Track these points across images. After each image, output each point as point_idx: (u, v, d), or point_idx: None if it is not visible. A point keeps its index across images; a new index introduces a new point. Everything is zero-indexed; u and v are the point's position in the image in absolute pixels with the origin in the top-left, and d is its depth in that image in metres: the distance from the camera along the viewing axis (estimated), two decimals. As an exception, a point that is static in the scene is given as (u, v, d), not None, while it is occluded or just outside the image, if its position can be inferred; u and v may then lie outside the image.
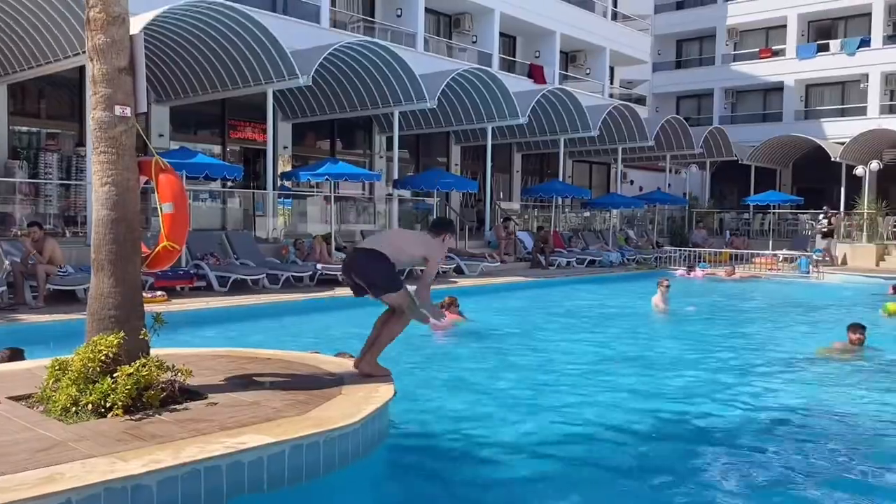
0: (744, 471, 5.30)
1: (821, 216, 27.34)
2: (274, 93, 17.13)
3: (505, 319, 12.38)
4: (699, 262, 21.96)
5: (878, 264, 23.41)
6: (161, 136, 18.34)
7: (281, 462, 4.13)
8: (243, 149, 20.92)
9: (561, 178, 25.83)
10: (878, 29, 32.95)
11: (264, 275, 14.08)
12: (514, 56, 28.37)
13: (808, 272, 20.40)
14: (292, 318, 11.79)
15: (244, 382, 5.46)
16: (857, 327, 9.49)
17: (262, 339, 9.57)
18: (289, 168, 20.50)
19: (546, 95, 23.05)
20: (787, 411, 6.93)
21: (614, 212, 26.86)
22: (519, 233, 22.31)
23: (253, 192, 18.52)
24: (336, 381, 5.54)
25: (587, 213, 27.56)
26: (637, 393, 7.53)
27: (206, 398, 4.96)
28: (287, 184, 18.76)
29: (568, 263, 21.17)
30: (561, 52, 29.20)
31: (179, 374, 4.94)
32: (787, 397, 7.53)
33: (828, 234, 25.31)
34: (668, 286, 13.62)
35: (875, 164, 25.74)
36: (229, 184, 17.39)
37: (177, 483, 3.73)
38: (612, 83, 32.64)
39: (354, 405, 4.84)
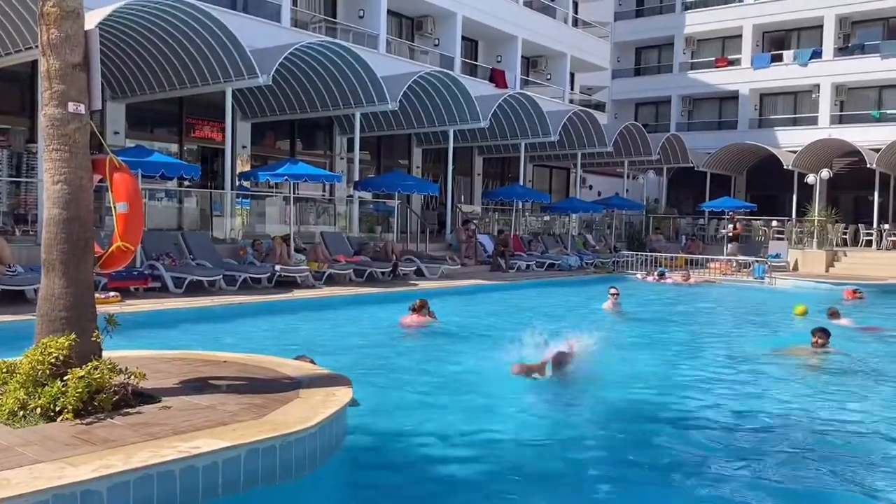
0: (692, 463, 5.40)
1: (726, 221, 28.20)
2: (233, 92, 16.91)
3: (466, 321, 12.39)
4: (657, 266, 22.28)
5: (827, 270, 24.04)
6: (116, 133, 17.98)
7: (236, 467, 4.07)
8: (201, 148, 20.62)
9: (521, 182, 26.02)
10: (829, 41, 33.88)
11: (221, 276, 13.89)
12: (476, 60, 28.48)
13: (763, 277, 20.86)
14: (250, 321, 11.65)
15: (199, 386, 5.38)
16: (819, 332, 9.69)
17: (219, 341, 9.43)
18: (247, 168, 20.28)
19: (507, 100, 23.19)
20: (741, 411, 7.08)
21: (573, 216, 27.12)
22: (480, 236, 22.39)
23: (210, 192, 18.26)
24: (293, 384, 5.49)
25: (547, 217, 27.78)
26: (596, 394, 7.61)
27: (159, 402, 4.87)
28: (246, 184, 18.54)
29: (528, 267, 21.31)
30: (522, 57, 29.41)
31: (133, 377, 4.84)
32: (748, 396, 7.69)
33: (733, 239, 26.04)
34: (616, 294, 14.11)
35: (826, 173, 26.43)
36: (186, 183, 17.13)
37: (128, 489, 3.65)
38: (572, 89, 32.99)
39: (312, 409, 4.80)
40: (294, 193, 17.15)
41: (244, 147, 20.99)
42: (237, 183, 18.28)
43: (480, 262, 20.96)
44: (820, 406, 7.41)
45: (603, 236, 28.30)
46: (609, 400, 7.54)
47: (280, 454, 4.30)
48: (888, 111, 33.31)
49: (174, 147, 19.72)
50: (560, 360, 7.74)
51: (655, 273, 20.90)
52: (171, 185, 17.36)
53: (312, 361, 6.56)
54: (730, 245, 25.80)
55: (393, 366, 8.86)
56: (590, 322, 13.48)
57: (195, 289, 13.32)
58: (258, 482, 4.18)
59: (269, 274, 14.64)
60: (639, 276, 21.17)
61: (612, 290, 14.28)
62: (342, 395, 5.20)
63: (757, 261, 22.40)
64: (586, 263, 23.10)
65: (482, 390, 7.71)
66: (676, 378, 8.86)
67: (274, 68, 16.22)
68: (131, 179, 5.38)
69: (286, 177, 16.04)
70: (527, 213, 27.22)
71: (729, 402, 7.56)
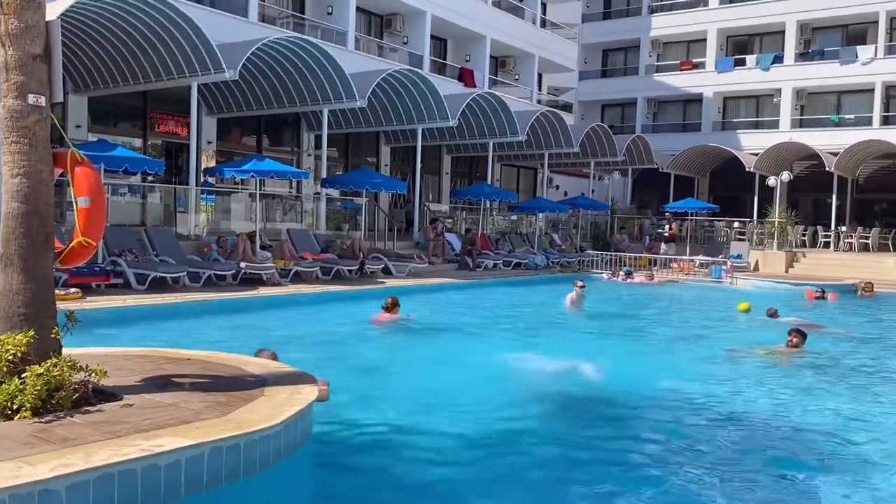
0: (654, 462, 5.49)
1: (665, 223, 28.95)
2: (199, 86, 16.71)
3: (434, 319, 12.41)
4: (623, 265, 22.54)
5: (787, 270, 24.54)
6: (78, 127, 17.65)
7: (199, 465, 4.04)
8: (165, 143, 20.32)
9: (489, 182, 26.09)
10: (790, 46, 34.56)
11: (185, 273, 13.72)
12: (445, 59, 28.50)
13: (721, 278, 21.22)
14: (214, 318, 11.53)
15: (162, 383, 5.32)
16: (795, 333, 9.85)
17: (182, 339, 9.32)
18: (213, 164, 20.03)
19: (476, 99, 23.25)
20: (716, 409, 7.20)
21: (540, 215, 27.29)
22: (447, 234, 22.42)
23: (175, 188, 18.02)
24: (258, 382, 5.46)
25: (514, 217, 27.92)
26: (562, 391, 7.69)
27: (121, 399, 4.81)
28: (211, 180, 18.33)
29: (495, 265, 21.40)
30: (491, 56, 29.49)
31: (93, 374, 4.77)
32: (724, 394, 7.82)
33: (669, 240, 26.64)
34: (583, 286, 14.38)
35: (786, 175, 26.96)
36: (150, 178, 16.87)
37: (88, 488, 3.60)
38: (539, 89, 33.18)
39: (277, 407, 4.78)
40: (260, 190, 17.01)
41: (210, 142, 20.74)
42: (202, 179, 18.04)
43: (448, 261, 20.99)
44: (789, 405, 7.55)
45: (569, 236, 28.54)
46: (577, 397, 7.63)
47: (244, 452, 4.27)
48: (846, 116, 34.11)
49: (138, 142, 19.40)
50: None
51: (622, 272, 21.14)
52: (135, 180, 17.09)
53: (274, 354, 6.52)
54: (665, 245, 26.37)
55: (361, 363, 8.84)
56: (553, 318, 13.68)
57: (158, 286, 13.14)
58: (222, 481, 4.15)
59: (234, 271, 14.49)
60: (604, 275, 21.39)
61: (579, 283, 14.54)
62: (308, 392, 5.18)
63: (714, 262, 22.79)
64: (552, 262, 23.28)
65: (451, 387, 7.74)
66: (644, 375, 8.98)
67: (241, 63, 16.05)
68: (93, 174, 5.29)
69: (252, 173, 15.90)
70: (494, 212, 27.33)
71: (698, 398, 7.67)
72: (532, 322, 13.57)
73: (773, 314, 13.25)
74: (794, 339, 9.75)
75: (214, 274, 14.32)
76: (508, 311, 14.80)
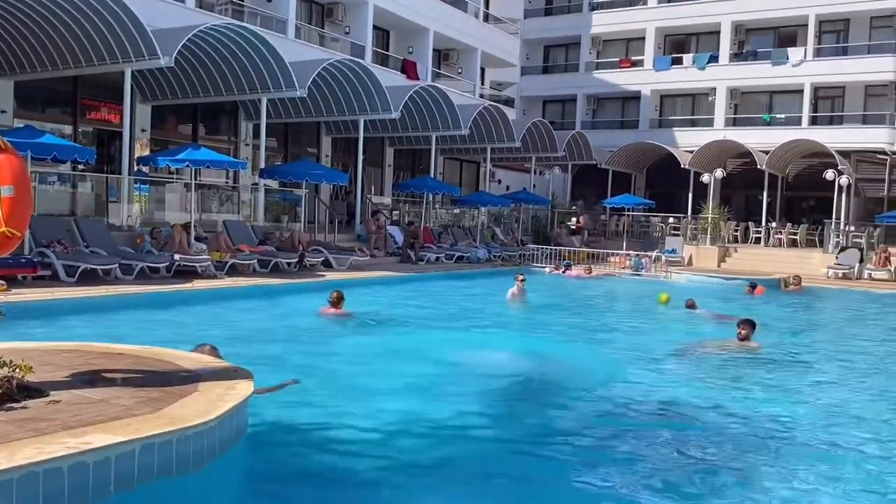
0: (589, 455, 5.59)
1: (572, 217, 29.77)
2: (133, 73, 16.21)
3: (375, 312, 12.36)
4: (562, 260, 22.88)
5: (719, 265, 25.31)
6: (3, 112, 16.96)
7: (130, 462, 3.92)
8: (97, 130, 19.67)
9: (432, 175, 26.09)
10: (725, 46, 35.53)
11: (117, 265, 13.33)
12: (387, 50, 28.34)
13: (641, 270, 21.77)
14: (147, 312, 11.23)
15: (92, 379, 5.15)
16: (744, 323, 10.01)
17: (114, 333, 9.05)
18: (147, 152, 19.48)
19: (419, 92, 23.20)
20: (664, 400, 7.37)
21: (482, 209, 27.45)
22: (389, 227, 22.34)
23: (107, 177, 17.46)
24: (192, 377, 5.33)
25: (457, 210, 28.01)
26: (506, 383, 7.75)
27: (48, 396, 4.63)
28: (144, 169, 17.83)
29: (437, 259, 21.44)
30: (434, 49, 29.47)
31: (18, 369, 4.58)
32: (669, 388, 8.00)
33: (575, 232, 27.34)
34: (523, 280, 14.70)
35: (719, 173, 27.78)
36: (81, 167, 16.31)
37: (11, 488, 3.45)
38: (482, 84, 33.32)
39: (211, 402, 4.68)
40: (196, 180, 16.63)
41: (143, 130, 20.16)
42: (135, 168, 17.53)
43: (390, 254, 20.93)
44: (734, 395, 7.73)
45: (510, 230, 28.79)
46: (521, 389, 7.71)
47: (177, 449, 4.17)
48: (778, 115, 35.30)
49: (68, 129, 18.72)
50: None
51: (562, 266, 21.44)
52: (65, 168, 16.49)
53: (215, 349, 6.39)
54: (573, 238, 26.99)
55: (300, 358, 8.74)
56: (495, 311, 13.79)
57: (89, 278, 12.73)
58: (154, 478, 4.04)
59: (167, 263, 14.15)
60: (547, 269, 21.67)
61: (520, 277, 14.80)
62: (243, 388, 5.09)
63: (637, 255, 23.38)
64: (494, 256, 23.46)
65: (392, 381, 7.72)
66: (589, 369, 9.13)
67: (177, 50, 15.63)
68: (18, 161, 5.07)
69: (187, 162, 15.52)
70: (437, 206, 27.35)
71: (647, 390, 7.81)
72: (474, 315, 13.65)
73: (691, 305, 13.70)
74: (743, 331, 9.94)
75: (147, 266, 13.95)
76: (451, 304, 14.86)
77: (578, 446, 5.93)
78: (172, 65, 15.83)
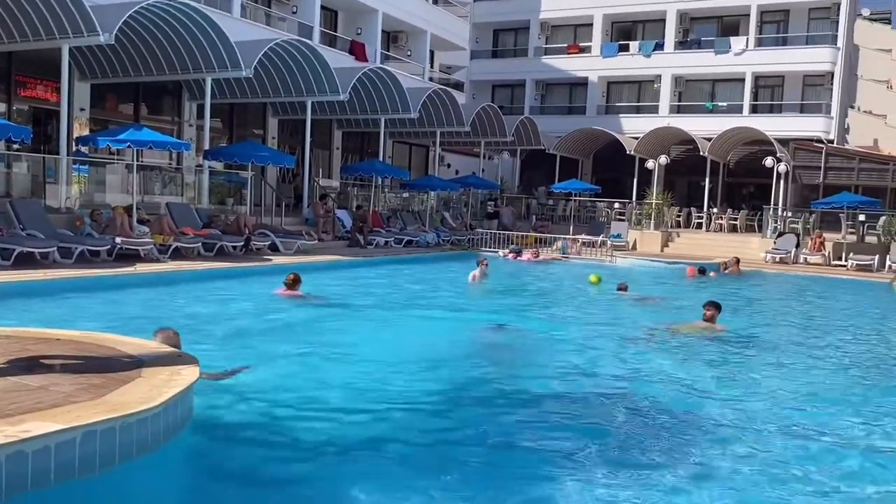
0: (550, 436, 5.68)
1: (490, 200, 30.17)
2: (71, 49, 15.65)
3: (324, 297, 12.27)
4: (511, 244, 23.06)
5: (662, 249, 25.86)
6: (-70, 88, 16.20)
7: (71, 451, 3.84)
8: (33, 108, 18.96)
9: (381, 158, 25.94)
10: (670, 34, 36.13)
11: (55, 248, 12.94)
12: (335, 31, 27.97)
13: (567, 252, 22.27)
14: (87, 296, 10.94)
15: (29, 365, 5.00)
16: (710, 305, 10.14)
17: (52, 318, 8.80)
18: (86, 132, 18.88)
19: (367, 74, 22.98)
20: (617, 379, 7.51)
21: (432, 194, 27.43)
22: (338, 211, 22.16)
23: (44, 157, 16.86)
24: (135, 363, 5.23)
25: (406, 194, 27.93)
26: (463, 368, 7.80)
27: (-18, 384, 4.49)
28: (84, 149, 17.27)
29: (386, 243, 21.38)
30: (383, 31, 29.20)
31: (-51, 357, 4.42)
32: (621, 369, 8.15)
33: (493, 216, 27.70)
34: (487, 264, 15.26)
35: (664, 159, 28.31)
36: (15, 147, 15.72)
37: (-56, 479, 3.35)
38: (431, 67, 33.17)
39: (154, 388, 4.60)
40: (138, 161, 16.21)
41: (82, 109, 19.52)
42: (74, 148, 16.98)
43: (338, 238, 20.77)
44: (699, 376, 7.91)
45: (459, 214, 28.87)
46: (479, 374, 7.76)
47: (120, 436, 4.09)
48: (720, 103, 36.11)
49: (1, 107, 18.00)
50: None
51: (509, 251, 21.60)
52: (-2, 147, 15.88)
53: (176, 333, 6.28)
54: (492, 222, 27.34)
55: (248, 342, 8.64)
56: (447, 294, 13.86)
57: (25, 261, 12.33)
58: (95, 466, 3.96)
59: (108, 246, 13.78)
60: (500, 253, 21.82)
61: (484, 261, 15.44)
62: (188, 373, 5.02)
63: (564, 239, 23.82)
64: (443, 240, 23.50)
65: (343, 365, 7.71)
66: (542, 348, 9.25)
67: (117, 27, 15.14)
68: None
69: (129, 143, 15.09)
70: (386, 190, 27.22)
71: (619, 375, 7.91)
72: (426, 299, 13.70)
73: (622, 288, 14.08)
74: (709, 312, 10.07)
75: (88, 249, 13.57)
76: (402, 288, 14.86)
77: (535, 428, 6.02)
78: (113, 42, 15.34)
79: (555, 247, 23.57)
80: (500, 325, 10.96)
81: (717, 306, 10.20)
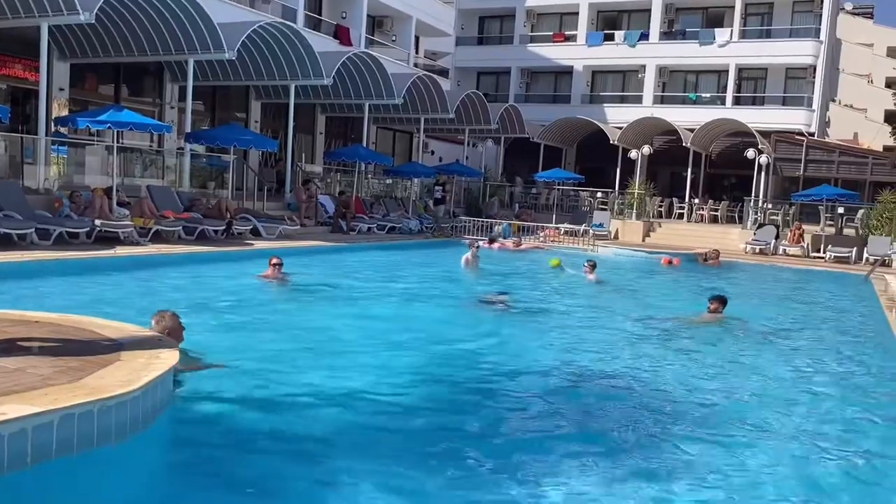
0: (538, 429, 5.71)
1: (437, 185, 30.01)
2: (50, 28, 15.40)
3: (306, 283, 12.22)
4: (491, 230, 23.05)
5: (644, 239, 26.01)
6: None
7: (48, 434, 3.80)
8: (11, 88, 18.66)
9: (365, 144, 25.81)
10: (655, 24, 36.18)
11: (33, 229, 12.79)
12: (320, 14, 27.72)
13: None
14: (66, 279, 10.82)
15: (6, 347, 4.94)
16: (715, 300, 10.10)
17: (30, 300, 8.70)
18: (65, 113, 18.61)
19: (352, 58, 22.81)
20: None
21: (415, 180, 27.36)
22: (320, 196, 22.04)
23: (21, 137, 16.60)
24: (114, 346, 5.18)
25: (389, 181, 27.83)
26: (456, 356, 7.82)
27: (-43, 365, 4.43)
28: (63, 130, 17.04)
29: (369, 229, 21.31)
30: (368, 15, 28.99)
31: (-76, 338, 4.36)
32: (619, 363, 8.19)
33: (440, 202, 27.46)
34: (479, 248, 15.71)
35: (647, 149, 28.41)
36: (-8, 126, 15.45)
37: (-82, 461, 3.31)
38: (417, 53, 33.00)
39: (134, 372, 4.56)
40: (118, 143, 16.01)
41: (62, 90, 19.23)
42: (53, 129, 16.74)
43: (321, 223, 20.68)
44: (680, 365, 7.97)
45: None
46: (462, 360, 7.76)
47: (98, 419, 4.06)
48: (703, 94, 36.26)
49: (-23, 85, 17.73)
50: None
51: (487, 240, 21.49)
52: (-26, 127, 15.60)
53: (175, 315, 6.22)
54: (439, 207, 27.25)
55: (229, 326, 8.60)
56: (430, 281, 13.85)
57: (2, 243, 12.17)
58: (73, 449, 3.93)
59: (88, 229, 13.63)
60: (481, 243, 21.79)
61: (475, 245, 15.84)
62: (168, 357, 4.98)
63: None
64: (426, 227, 23.46)
65: (323, 351, 7.69)
66: (534, 338, 9.26)
67: (98, 5, 14.91)
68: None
69: (109, 124, 14.92)
70: (369, 176, 27.11)
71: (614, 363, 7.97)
72: (408, 285, 13.66)
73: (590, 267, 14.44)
74: (713, 305, 10.07)
75: (66, 231, 13.41)
76: (384, 274, 14.82)
77: (523, 418, 6.05)
78: (93, 21, 15.11)
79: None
80: (502, 293, 11.49)
81: (721, 300, 10.11)
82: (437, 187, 25.22)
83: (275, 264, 11.37)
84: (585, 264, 14.67)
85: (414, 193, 26.98)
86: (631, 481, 4.71)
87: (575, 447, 5.30)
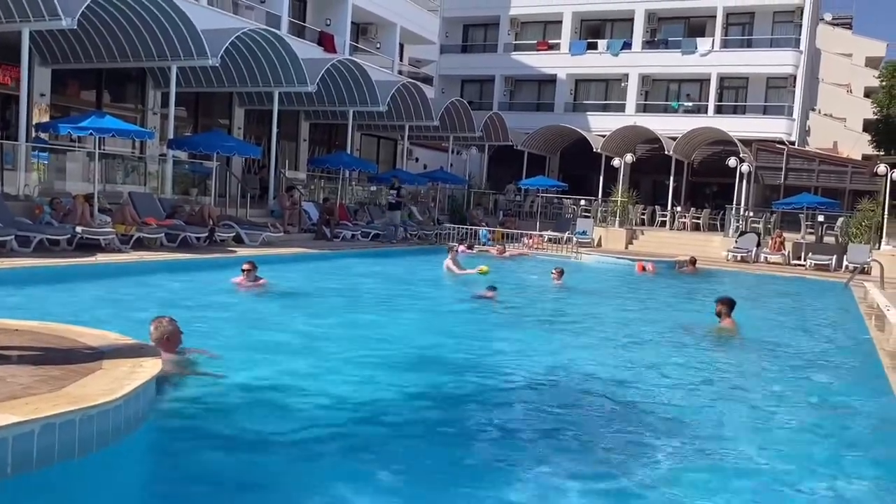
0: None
1: (391, 189, 29.57)
2: (31, 33, 15.28)
3: (289, 290, 12.18)
4: (475, 240, 23.08)
5: (627, 247, 26.15)
6: None
7: (29, 443, 3.76)
8: (-9, 93, 18.49)
9: (349, 151, 25.80)
10: (638, 34, 36.50)
11: (13, 236, 12.65)
12: (304, 21, 27.71)
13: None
14: (46, 286, 10.71)
15: (-15, 356, 4.89)
16: (722, 303, 9.79)
17: (9, 308, 8.58)
18: (46, 118, 18.45)
19: (336, 65, 22.82)
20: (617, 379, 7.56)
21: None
22: (304, 203, 21.99)
23: (1, 143, 16.45)
24: (96, 354, 5.14)
25: (373, 188, 27.81)
26: (425, 360, 7.81)
27: (-65, 374, 4.38)
28: (44, 136, 16.89)
29: (353, 236, 21.27)
30: (352, 22, 29.01)
31: None
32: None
33: (395, 207, 26.67)
34: (457, 251, 15.72)
35: (629, 157, 28.60)
36: (-29, 132, 15.32)
37: None
38: (401, 60, 33.05)
39: (116, 381, 4.53)
40: (100, 149, 15.90)
41: (43, 95, 19.07)
42: (34, 135, 16.60)
43: (304, 231, 20.62)
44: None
45: (427, 209, 28.82)
46: (447, 367, 7.76)
47: (80, 429, 4.02)
48: (686, 103, 36.59)
49: (-43, 90, 17.54)
50: None
51: (465, 245, 21.39)
52: (-47, 132, 15.45)
53: (173, 320, 6.16)
54: (394, 212, 26.85)
55: (211, 334, 8.53)
56: (414, 288, 13.85)
57: (-19, 249, 12.03)
58: (54, 459, 3.89)
59: (69, 235, 13.50)
60: (459, 249, 21.77)
61: (453, 248, 16.10)
62: (150, 366, 4.95)
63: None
64: (410, 235, 23.45)
65: (308, 358, 7.66)
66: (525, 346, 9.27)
67: (80, 11, 14.82)
68: None
69: (91, 130, 14.80)
70: (353, 183, 27.08)
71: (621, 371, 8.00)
72: (392, 292, 13.63)
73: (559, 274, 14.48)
74: (718, 307, 9.87)
75: (47, 238, 13.28)
76: (369, 281, 14.78)
77: (516, 422, 6.05)
78: (75, 27, 15.02)
79: (529, 245, 23.57)
80: (492, 288, 11.69)
81: (727, 303, 9.82)
82: (391, 191, 24.88)
83: (246, 270, 11.23)
84: (553, 270, 14.73)
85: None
86: (630, 482, 4.74)
87: (569, 446, 5.31)
